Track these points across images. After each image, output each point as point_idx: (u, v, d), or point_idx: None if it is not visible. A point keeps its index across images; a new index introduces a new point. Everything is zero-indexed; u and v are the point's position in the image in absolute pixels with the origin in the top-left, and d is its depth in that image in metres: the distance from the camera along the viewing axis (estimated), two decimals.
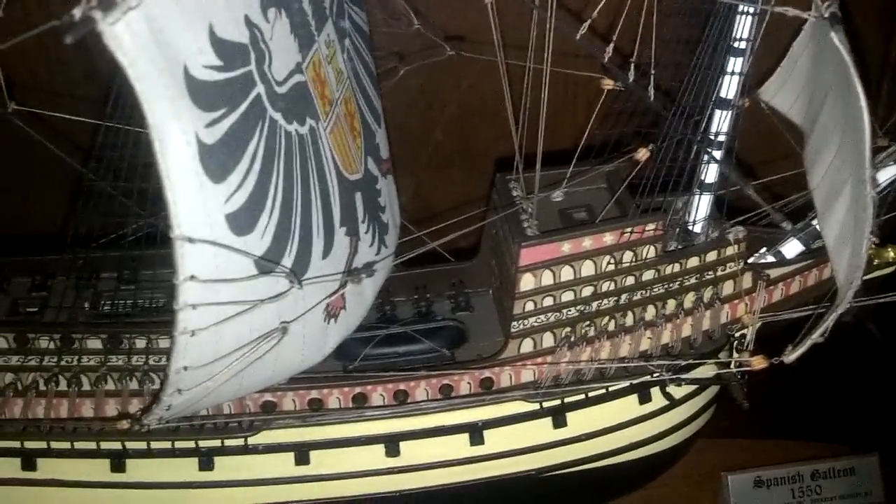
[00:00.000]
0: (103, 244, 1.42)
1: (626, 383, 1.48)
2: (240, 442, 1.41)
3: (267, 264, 1.07)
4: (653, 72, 1.40)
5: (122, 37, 0.82)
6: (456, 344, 1.53)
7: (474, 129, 2.03)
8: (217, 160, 0.99)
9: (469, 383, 1.45)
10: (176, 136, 0.93)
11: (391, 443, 1.45)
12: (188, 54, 0.95)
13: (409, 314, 1.60)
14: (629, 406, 1.50)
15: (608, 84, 1.41)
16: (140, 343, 1.37)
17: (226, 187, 1.01)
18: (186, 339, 1.02)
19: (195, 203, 0.96)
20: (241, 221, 1.04)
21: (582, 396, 1.47)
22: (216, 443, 1.41)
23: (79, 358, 1.37)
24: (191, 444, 1.41)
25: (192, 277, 0.98)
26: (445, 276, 1.65)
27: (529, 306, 1.42)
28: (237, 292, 1.06)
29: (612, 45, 1.41)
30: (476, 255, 1.66)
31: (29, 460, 1.40)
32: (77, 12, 0.78)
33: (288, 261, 1.13)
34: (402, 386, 1.44)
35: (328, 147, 1.25)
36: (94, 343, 1.37)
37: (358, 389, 1.43)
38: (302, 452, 1.43)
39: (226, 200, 1.01)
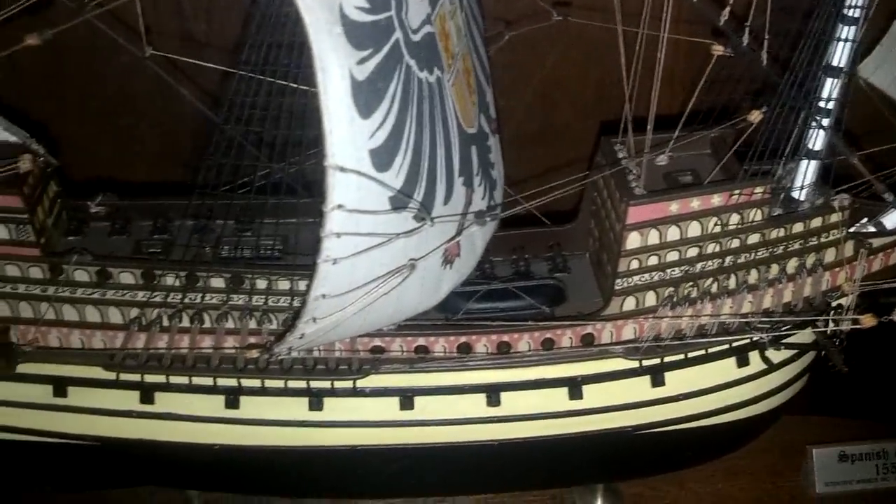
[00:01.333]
0: (225, 191, 1.47)
1: (725, 345, 1.50)
2: (348, 384, 1.46)
3: (402, 198, 1.12)
4: (767, 37, 1.43)
5: None
6: (555, 302, 1.56)
7: (556, 107, 2.06)
8: (365, 97, 1.04)
9: (570, 338, 1.49)
10: (335, 69, 0.98)
11: (493, 392, 1.49)
12: None
13: (507, 273, 1.63)
14: (727, 368, 1.53)
15: (718, 50, 1.44)
16: (260, 284, 1.42)
17: (371, 124, 1.06)
18: (328, 266, 1.08)
19: (346, 135, 1.02)
20: (382, 158, 1.09)
21: (681, 356, 1.50)
22: (326, 384, 1.46)
23: (202, 296, 1.43)
24: (302, 384, 1.46)
25: (340, 206, 1.04)
26: (543, 238, 1.69)
27: (634, 265, 1.45)
28: (373, 226, 1.11)
29: (728, 10, 1.44)
30: (574, 219, 1.69)
31: (148, 394, 1.47)
32: None
33: (414, 205, 1.18)
34: (505, 338, 1.48)
35: (451, 98, 1.30)
36: (217, 282, 1.43)
37: (463, 339, 1.47)
38: (407, 398, 1.48)
39: (370, 136, 1.07)
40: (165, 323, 1.44)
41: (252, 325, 1.45)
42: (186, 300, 1.43)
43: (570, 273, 1.64)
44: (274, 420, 1.48)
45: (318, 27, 0.95)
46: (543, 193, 1.48)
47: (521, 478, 1.64)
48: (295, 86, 1.27)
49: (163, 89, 1.47)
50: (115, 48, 1.51)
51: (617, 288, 1.46)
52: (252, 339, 1.44)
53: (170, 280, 1.42)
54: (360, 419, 1.49)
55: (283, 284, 1.43)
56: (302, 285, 1.43)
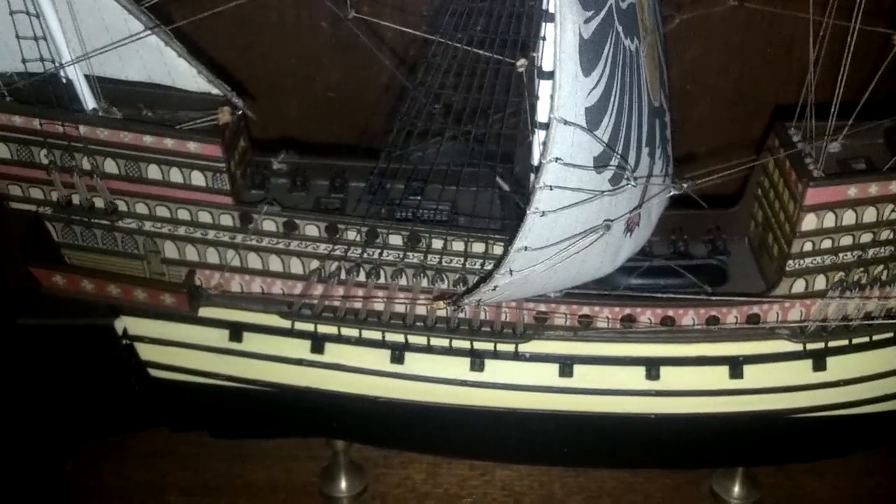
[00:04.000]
0: (401, 155, 1.52)
1: (890, 333, 1.50)
2: (511, 347, 1.50)
3: (605, 158, 1.16)
4: None
5: None
6: (716, 283, 1.57)
7: (692, 101, 2.07)
8: (587, 55, 1.09)
9: (736, 317, 1.50)
10: (569, 24, 1.03)
11: (653, 366, 1.51)
12: None
13: (665, 253, 1.65)
14: (890, 356, 1.52)
15: None
16: (436, 244, 1.47)
17: (590, 82, 1.10)
18: (536, 218, 1.12)
19: (570, 90, 1.06)
20: (594, 117, 1.13)
21: (845, 342, 1.50)
22: (489, 346, 1.50)
23: (380, 252, 1.48)
24: (466, 345, 1.50)
25: (557, 159, 1.07)
26: (701, 220, 1.70)
27: (808, 247, 1.46)
28: (577, 183, 1.15)
29: None
30: (735, 204, 1.70)
31: (319, 344, 1.53)
32: None
33: (614, 163, 1.21)
34: (670, 312, 1.50)
35: (644, 69, 1.33)
36: (395, 240, 1.48)
37: (627, 310, 1.50)
38: (567, 365, 1.51)
39: (588, 94, 1.11)
40: (343, 276, 1.50)
41: (423, 283, 1.50)
42: (365, 255, 1.48)
43: (730, 256, 1.65)
44: (436, 377, 1.53)
45: None
46: (712, 175, 1.50)
47: (668, 455, 1.66)
48: (490, 55, 1.33)
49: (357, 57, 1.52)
50: (311, 8, 1.58)
51: (788, 269, 1.47)
52: (422, 297, 1.49)
53: (350, 235, 1.48)
54: (520, 383, 1.52)
55: (458, 246, 1.47)
56: (475, 248, 1.48)
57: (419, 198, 1.56)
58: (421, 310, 1.50)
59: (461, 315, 1.48)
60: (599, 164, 1.18)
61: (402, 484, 1.85)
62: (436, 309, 1.39)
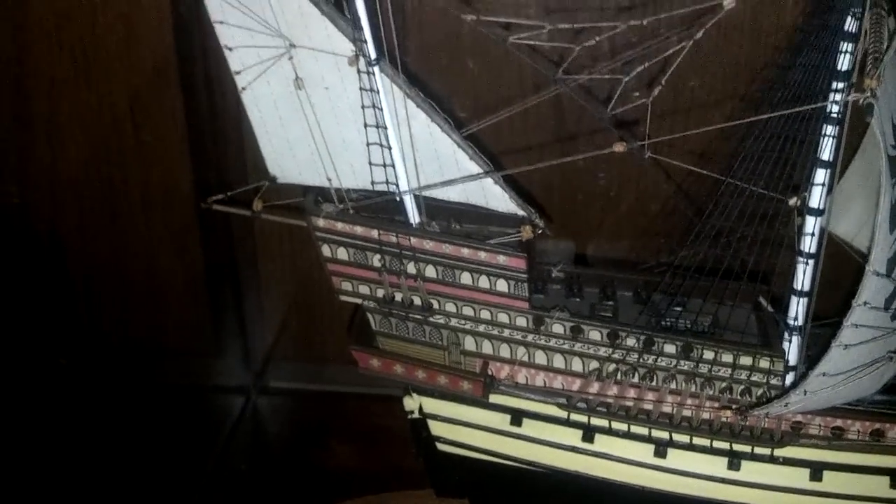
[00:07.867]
0: (663, 269, 1.74)
1: None
2: (767, 451, 1.68)
3: (894, 296, 1.35)
4: None
5: None
6: None
7: None
8: (893, 215, 1.29)
9: None
10: (887, 195, 1.23)
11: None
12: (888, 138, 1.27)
13: None
14: None
15: None
16: (707, 355, 1.68)
17: (892, 238, 1.30)
18: (839, 350, 1.32)
19: (883, 246, 1.26)
20: (892, 267, 1.33)
21: None
22: (747, 448, 1.68)
23: (656, 358, 1.70)
24: (725, 446, 1.69)
25: (865, 303, 1.27)
26: None
27: None
28: (872, 321, 1.34)
29: None
30: None
31: (590, 434, 1.74)
32: None
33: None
34: None
35: None
36: (669, 348, 1.69)
37: (877, 425, 1.66)
38: (817, 470, 1.68)
39: (890, 247, 1.30)
40: (619, 377, 1.72)
41: (692, 389, 1.70)
42: (641, 360, 1.70)
43: None
44: (694, 472, 1.72)
45: (882, 151, 1.21)
46: None
47: None
48: (764, 191, 1.55)
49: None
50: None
51: None
52: (689, 401, 1.69)
53: (629, 341, 1.70)
54: (771, 483, 1.70)
55: (727, 357, 1.67)
56: (743, 360, 1.67)
57: (682, 309, 1.77)
58: (686, 411, 1.70)
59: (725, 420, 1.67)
60: (888, 305, 1.37)
61: None
62: (721, 416, 1.59)
